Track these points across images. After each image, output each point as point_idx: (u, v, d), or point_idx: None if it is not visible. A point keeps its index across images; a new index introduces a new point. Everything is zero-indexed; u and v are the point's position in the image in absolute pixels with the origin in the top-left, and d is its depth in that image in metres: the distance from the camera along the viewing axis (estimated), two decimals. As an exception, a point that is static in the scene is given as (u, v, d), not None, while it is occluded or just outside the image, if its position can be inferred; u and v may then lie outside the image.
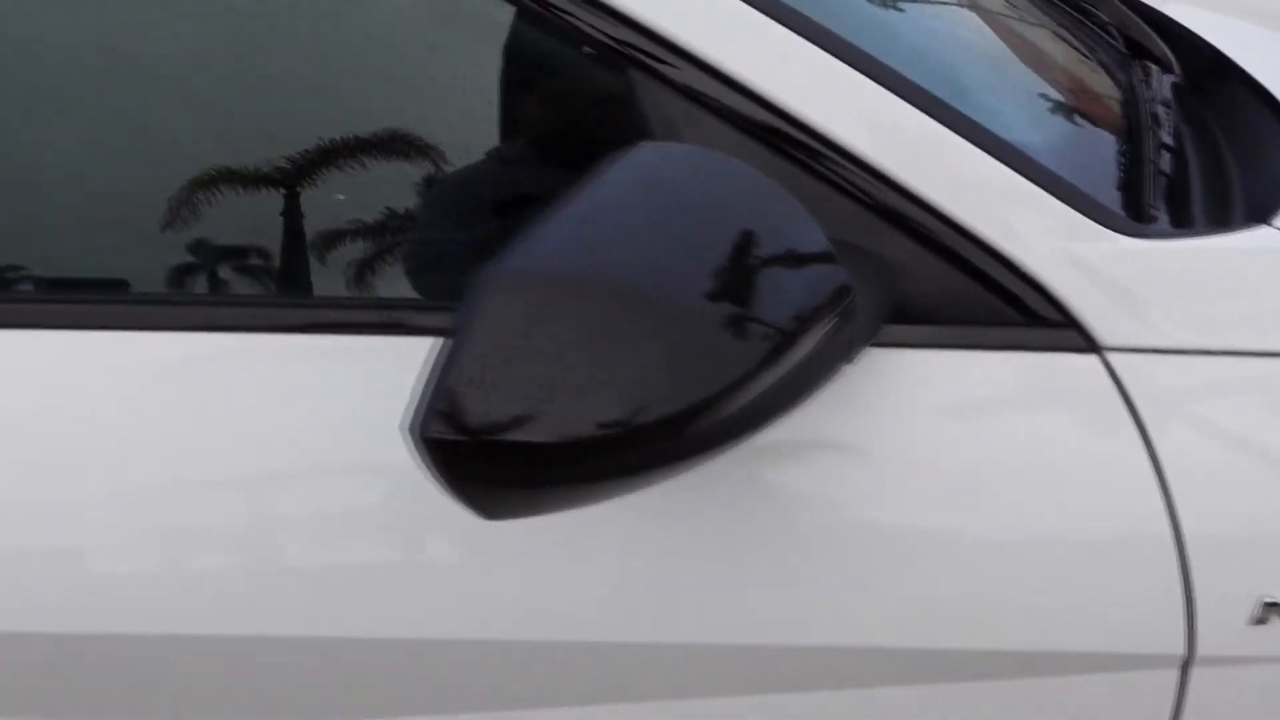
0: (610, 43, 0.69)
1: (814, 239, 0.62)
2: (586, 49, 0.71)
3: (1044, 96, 1.00)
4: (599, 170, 0.60)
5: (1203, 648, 0.73)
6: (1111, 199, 0.80)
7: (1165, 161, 0.89)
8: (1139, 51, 1.18)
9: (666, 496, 0.64)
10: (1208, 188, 0.88)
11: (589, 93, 0.76)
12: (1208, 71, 1.11)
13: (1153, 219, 0.80)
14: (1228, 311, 0.75)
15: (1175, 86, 1.06)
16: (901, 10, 1.02)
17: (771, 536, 0.72)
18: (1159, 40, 1.19)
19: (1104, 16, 1.25)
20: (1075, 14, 1.26)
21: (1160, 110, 0.98)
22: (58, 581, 0.68)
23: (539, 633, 0.70)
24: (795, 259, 0.61)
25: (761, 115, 0.69)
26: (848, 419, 0.71)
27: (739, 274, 0.59)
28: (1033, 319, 0.72)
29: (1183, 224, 0.82)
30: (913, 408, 0.73)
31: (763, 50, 0.70)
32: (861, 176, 0.69)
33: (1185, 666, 0.74)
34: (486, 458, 0.54)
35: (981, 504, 0.73)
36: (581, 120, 0.77)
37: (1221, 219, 0.82)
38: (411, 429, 0.53)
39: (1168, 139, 0.93)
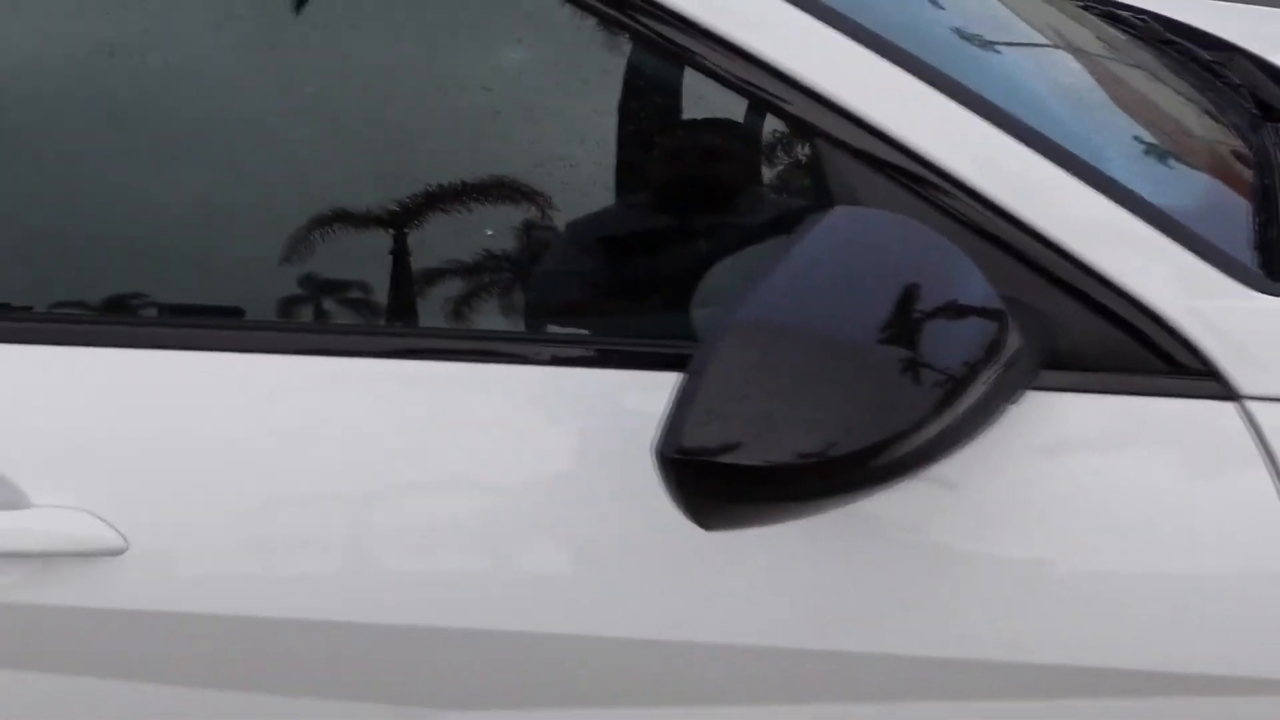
0: (756, 92, 0.77)
1: (986, 295, 0.69)
2: (723, 100, 0.79)
3: (1181, 156, 1.06)
4: (802, 230, 0.68)
5: None
6: (1247, 257, 0.86)
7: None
8: (1269, 112, 1.23)
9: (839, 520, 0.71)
10: None
11: (712, 146, 0.85)
12: None
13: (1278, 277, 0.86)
14: None
15: None
16: (1041, 70, 1.09)
17: (939, 560, 0.79)
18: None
19: (1234, 77, 1.30)
20: (1205, 73, 1.31)
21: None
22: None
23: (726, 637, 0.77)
24: (969, 312, 0.69)
25: (924, 174, 0.76)
26: (1008, 457, 0.77)
27: (920, 327, 0.67)
28: (1175, 368, 0.79)
29: None
30: (1065, 447, 0.80)
31: (925, 114, 0.78)
32: (1019, 236, 0.77)
33: None
34: (711, 477, 0.63)
35: (1137, 536, 0.79)
36: (702, 172, 0.86)
37: None
38: (654, 449, 0.62)
39: None
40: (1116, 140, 0.98)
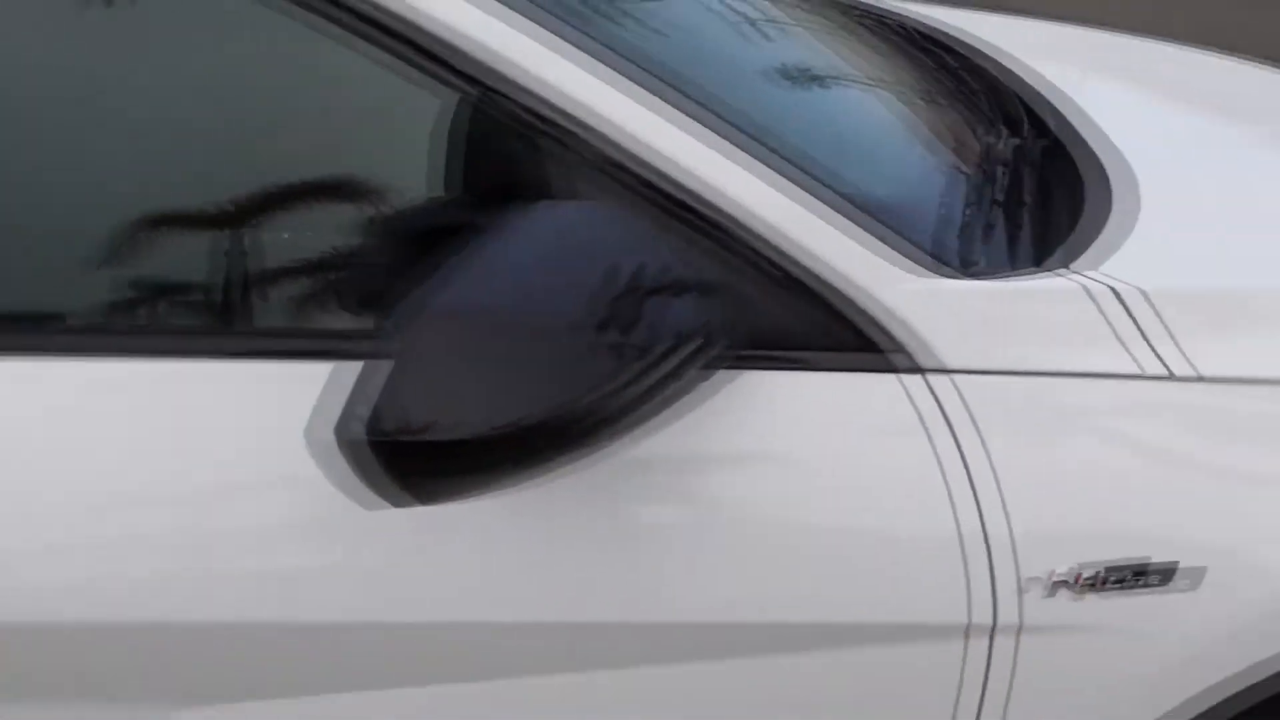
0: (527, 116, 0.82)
1: (677, 279, 0.76)
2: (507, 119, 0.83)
3: (902, 154, 1.17)
4: (501, 223, 0.74)
5: (1001, 617, 0.88)
6: (941, 247, 0.95)
7: (996, 214, 1.05)
8: (1001, 111, 1.35)
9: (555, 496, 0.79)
10: (1031, 237, 1.05)
11: (505, 153, 0.89)
12: (1055, 133, 1.27)
13: (974, 263, 0.96)
14: (1014, 339, 0.90)
15: (1019, 148, 1.22)
16: (762, 68, 1.16)
17: (649, 529, 0.86)
18: (1019, 101, 1.35)
19: (980, 83, 1.42)
20: (952, 79, 1.43)
21: (999, 169, 1.14)
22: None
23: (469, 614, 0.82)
24: (659, 294, 0.75)
25: (645, 175, 0.82)
26: (715, 429, 0.84)
27: (611, 307, 0.73)
28: (866, 345, 0.87)
29: (1000, 267, 0.98)
30: (765, 420, 0.86)
31: (627, 111, 0.83)
32: (720, 225, 0.83)
33: (990, 635, 0.88)
34: (411, 455, 0.69)
35: (827, 498, 0.87)
36: (499, 175, 0.89)
37: (1034, 263, 0.98)
38: (339, 433, 0.68)
39: (1000, 195, 1.09)
40: (830, 136, 1.07)
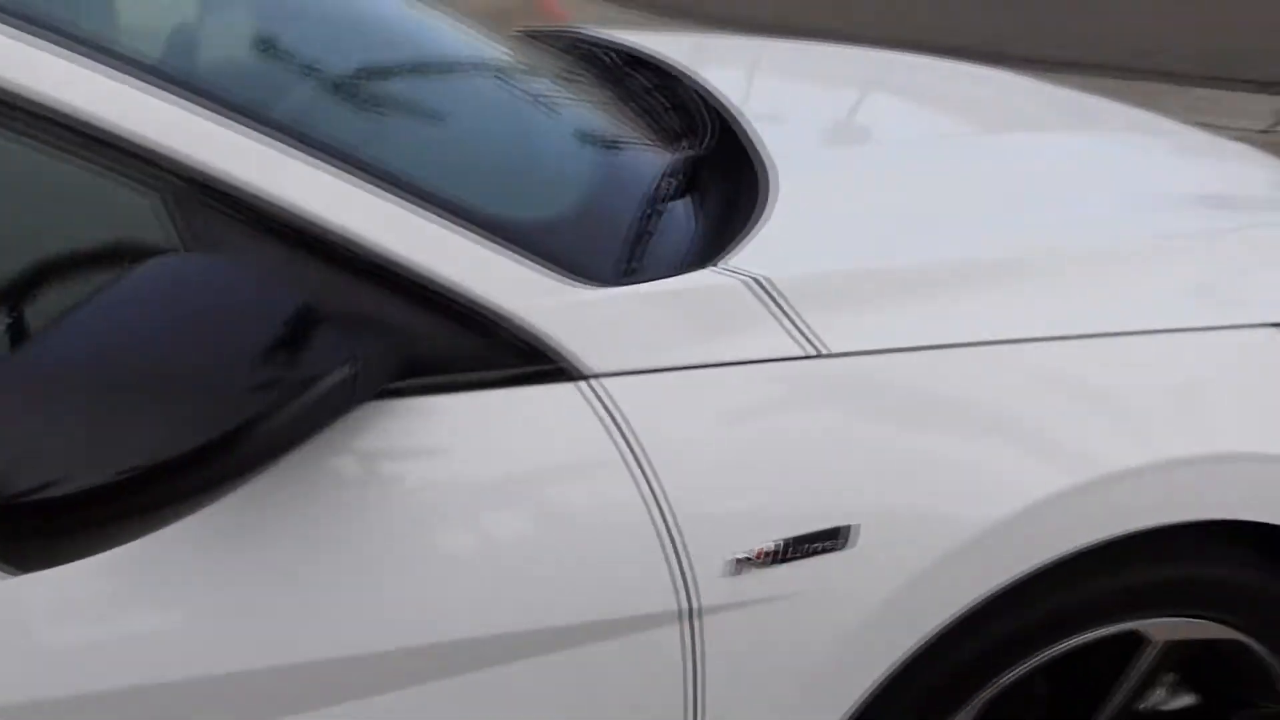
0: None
1: (304, 318, 0.78)
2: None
3: (552, 173, 1.23)
4: (117, 279, 0.74)
5: (695, 600, 0.95)
6: (587, 258, 1.02)
7: (652, 221, 1.14)
8: (665, 122, 1.43)
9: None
10: (686, 239, 1.14)
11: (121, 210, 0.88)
12: (716, 142, 1.37)
13: (631, 269, 1.04)
14: (668, 336, 0.98)
15: (678, 158, 1.30)
16: (402, 104, 1.20)
17: (326, 560, 0.88)
18: (684, 113, 1.45)
19: (671, 100, 1.51)
20: (648, 98, 1.47)
21: (658, 179, 1.22)
22: None
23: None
24: (286, 335, 0.77)
25: (270, 216, 0.85)
26: (385, 455, 0.89)
27: (235, 352, 0.75)
28: (528, 360, 0.93)
29: (656, 270, 1.05)
30: (428, 444, 0.91)
31: (255, 158, 0.85)
32: (374, 263, 0.87)
33: (690, 618, 0.95)
34: (29, 515, 0.68)
35: (506, 509, 0.92)
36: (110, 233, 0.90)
37: (688, 263, 1.07)
38: None
39: (655, 203, 1.17)
40: (466, 162, 1.14)
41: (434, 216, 0.91)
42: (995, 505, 1.00)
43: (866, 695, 1.05)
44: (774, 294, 1.02)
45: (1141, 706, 1.26)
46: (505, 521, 0.92)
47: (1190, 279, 1.20)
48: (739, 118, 1.41)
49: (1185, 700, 1.30)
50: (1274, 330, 1.14)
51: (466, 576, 0.90)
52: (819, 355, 1.00)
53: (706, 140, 1.37)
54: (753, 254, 1.07)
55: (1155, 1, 6.01)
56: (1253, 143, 1.88)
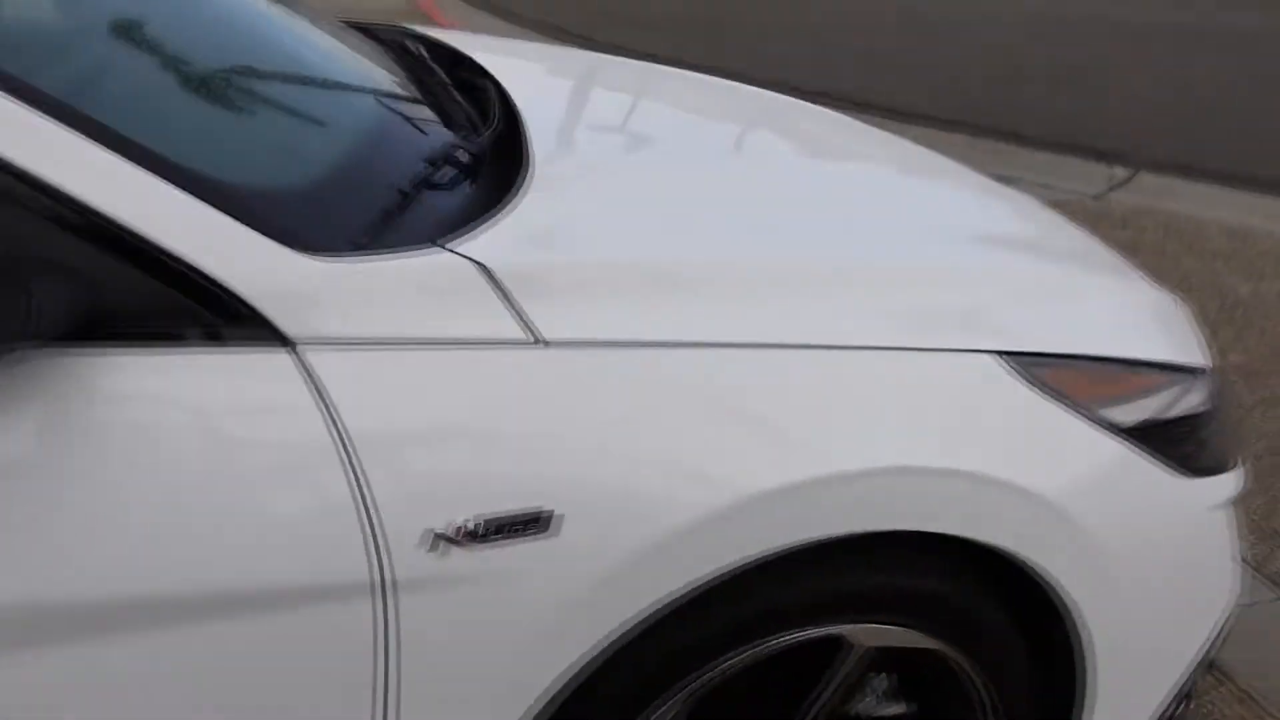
0: None
1: None
2: None
3: (318, 144, 1.25)
4: None
5: (389, 573, 0.96)
6: (318, 231, 1.03)
7: (393, 201, 1.16)
8: (463, 113, 1.47)
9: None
10: (418, 218, 1.14)
11: None
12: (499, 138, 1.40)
13: (360, 245, 1.04)
14: (383, 311, 1.00)
15: (455, 145, 1.34)
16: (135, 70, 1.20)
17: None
18: (484, 107, 1.48)
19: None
20: (418, 77, 1.52)
21: (419, 163, 1.25)
22: None
23: None
24: None
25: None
26: (59, 402, 0.88)
27: None
28: (233, 321, 0.93)
29: (383, 246, 1.05)
30: (128, 392, 0.91)
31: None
32: (70, 209, 0.88)
33: (383, 592, 0.96)
34: None
35: (198, 470, 0.92)
36: None
37: (411, 244, 1.07)
38: None
39: (410, 187, 1.19)
40: (195, 130, 1.14)
41: (141, 170, 0.91)
42: (697, 501, 1.04)
43: (567, 683, 1.06)
44: (497, 280, 1.04)
45: (855, 712, 1.32)
46: (194, 477, 0.92)
47: (928, 304, 1.27)
48: (519, 114, 1.45)
49: (896, 708, 1.37)
50: (994, 358, 1.20)
51: (150, 532, 0.90)
52: (535, 343, 1.03)
53: (479, 131, 1.40)
54: (489, 240, 1.09)
55: (1010, 68, 6.38)
56: (1085, 207, 2.00)
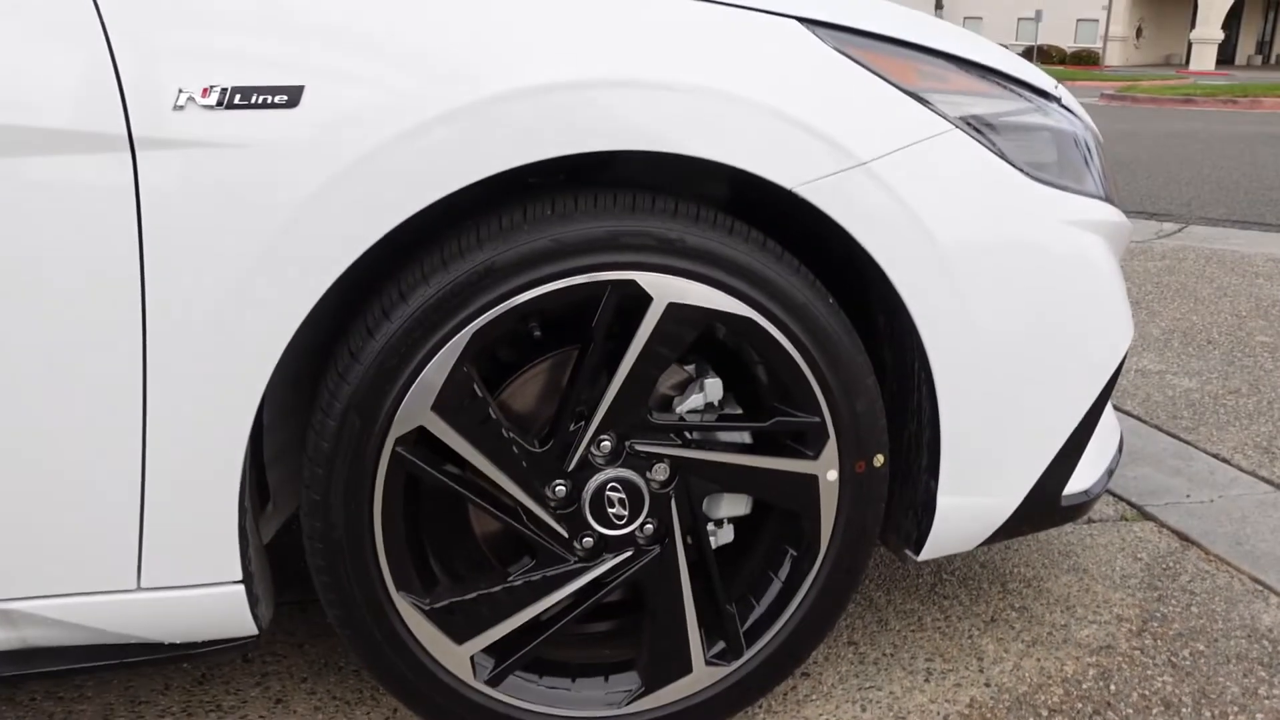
0: None
1: None
2: None
3: None
4: None
5: (132, 127, 0.94)
6: None
7: None
8: None
9: None
10: None
11: None
12: None
13: None
14: None
15: None
16: None
17: None
18: None
19: None
20: None
21: None
22: None
23: None
24: None
25: None
26: None
27: None
28: None
29: None
30: None
31: None
32: None
33: (130, 148, 0.94)
34: None
35: None
36: None
37: None
38: None
39: None
40: None
41: None
42: (447, 97, 0.99)
43: (335, 279, 0.99)
44: None
45: (712, 540, 1.23)
46: None
47: None
48: None
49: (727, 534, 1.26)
50: (800, 24, 1.15)
51: None
52: None
53: None
54: None
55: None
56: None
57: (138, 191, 0.94)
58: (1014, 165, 1.20)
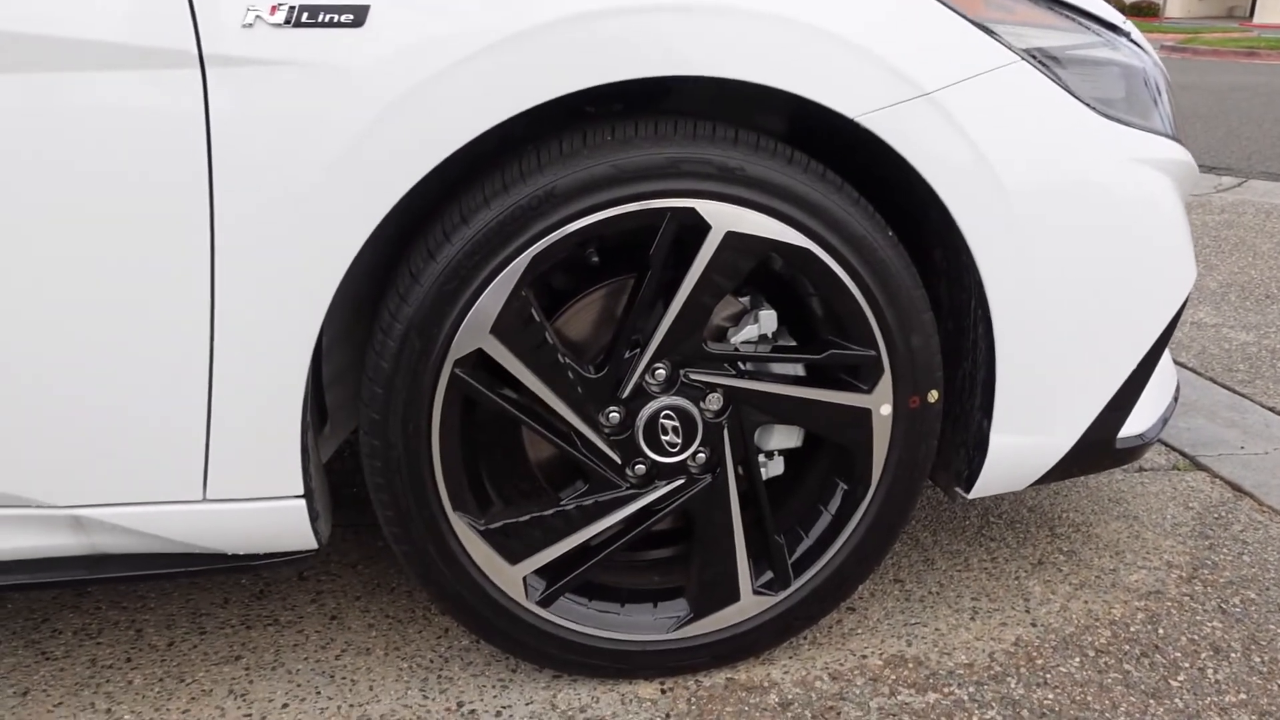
0: None
1: None
2: None
3: None
4: None
5: (203, 44, 0.94)
6: None
7: None
8: None
9: None
10: None
11: None
12: None
13: None
14: None
15: None
16: None
17: None
18: None
19: None
20: None
21: None
22: None
23: None
24: None
25: None
26: None
27: None
28: None
29: None
30: None
31: None
32: None
33: (200, 65, 0.94)
34: None
35: None
36: None
37: None
38: None
39: None
40: None
41: None
42: (507, 21, 0.98)
43: (398, 200, 0.99)
44: None
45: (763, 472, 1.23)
46: None
47: None
48: None
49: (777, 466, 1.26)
50: None
51: None
52: None
53: None
54: None
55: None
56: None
57: (207, 109, 0.95)
58: (1081, 100, 1.18)
